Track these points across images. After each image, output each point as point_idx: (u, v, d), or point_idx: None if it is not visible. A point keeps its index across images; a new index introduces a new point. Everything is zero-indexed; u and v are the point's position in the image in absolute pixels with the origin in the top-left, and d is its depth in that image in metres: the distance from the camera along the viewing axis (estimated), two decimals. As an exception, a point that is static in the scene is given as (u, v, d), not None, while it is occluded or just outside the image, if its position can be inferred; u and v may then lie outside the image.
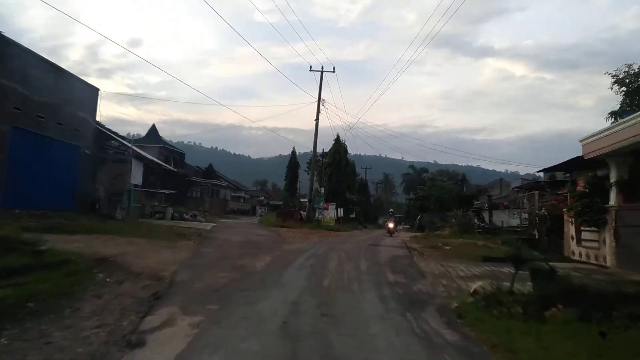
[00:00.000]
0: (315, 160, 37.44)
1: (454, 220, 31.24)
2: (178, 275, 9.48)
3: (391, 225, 29.83)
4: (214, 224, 27.97)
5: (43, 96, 18.69)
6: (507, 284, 7.87)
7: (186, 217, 30.46)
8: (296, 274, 10.43)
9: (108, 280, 8.68)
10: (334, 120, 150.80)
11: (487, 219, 36.48)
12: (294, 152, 50.43)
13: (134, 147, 22.28)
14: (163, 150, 55.70)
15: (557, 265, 9.53)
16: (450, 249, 17.88)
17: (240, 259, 12.38)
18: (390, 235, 27.80)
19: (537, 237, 20.12)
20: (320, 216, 35.85)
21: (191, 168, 69.01)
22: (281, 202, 56.37)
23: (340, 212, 39.87)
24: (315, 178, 47.42)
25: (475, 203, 47.23)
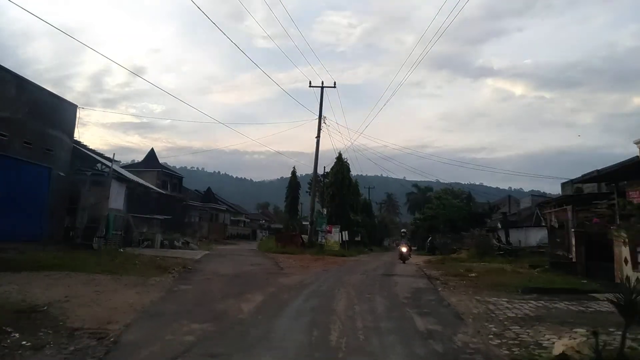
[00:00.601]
0: (317, 179, 34.92)
1: (470, 241, 28.55)
2: (130, 331, 6.82)
3: (404, 249, 25.79)
4: (206, 252, 25.28)
5: (4, 111, 16.30)
6: (605, 337, 5.25)
7: (177, 244, 27.79)
8: (293, 324, 7.74)
9: (23, 343, 6.04)
10: (336, 139, 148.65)
11: (503, 239, 33.82)
12: (294, 172, 47.93)
13: (115, 168, 19.75)
14: (160, 175, 53.34)
15: None
16: (477, 277, 15.19)
17: (222, 300, 9.70)
18: (404, 262, 24.42)
19: (573, 259, 17.36)
20: (324, 240, 33.10)
21: (190, 192, 66.54)
22: (282, 226, 53.66)
23: (345, 235, 37.15)
24: (317, 199, 44.92)
25: (487, 222, 44.47)
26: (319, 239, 33.12)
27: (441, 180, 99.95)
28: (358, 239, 48.45)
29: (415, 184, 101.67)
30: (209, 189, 68.72)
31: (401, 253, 25.45)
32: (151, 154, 55.66)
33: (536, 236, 34.82)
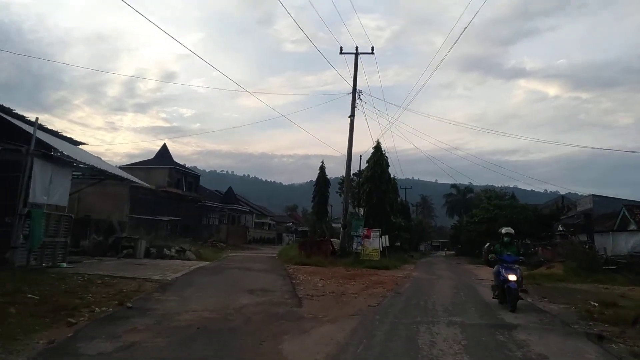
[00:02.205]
0: (350, 172, 27.31)
1: (562, 250, 20.53)
2: None
3: (513, 277, 10.36)
4: (201, 265, 18.17)
5: None
6: None
7: (168, 252, 20.79)
8: None
9: None
10: (372, 126, 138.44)
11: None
12: (322, 168, 40.55)
13: (38, 136, 12.74)
14: (173, 172, 46.92)
15: None
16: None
17: None
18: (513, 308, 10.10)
19: None
20: (360, 247, 25.53)
21: (208, 192, 60.12)
22: (308, 229, 46.38)
23: (386, 240, 29.52)
24: (349, 199, 37.46)
25: (555, 225, 35.97)
26: (354, 246, 25.57)
27: (474, 183, 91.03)
28: (398, 244, 40.71)
29: (454, 185, 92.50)
30: (229, 188, 62.12)
31: (507, 287, 10.38)
32: (163, 150, 49.32)
33: (627, 242, 26.72)
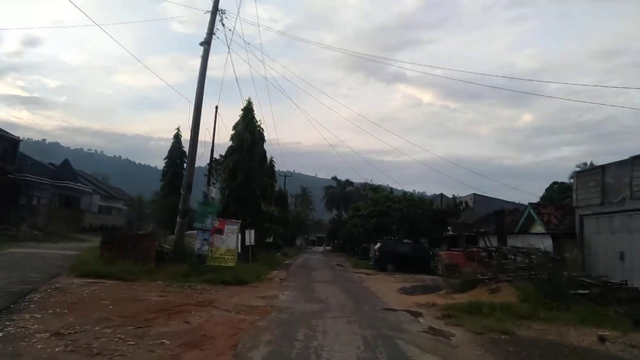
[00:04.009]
0: (198, 128, 17.41)
1: (512, 264, 13.72)
2: None
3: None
4: None
5: None
6: None
7: None
8: None
9: None
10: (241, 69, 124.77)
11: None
12: (177, 136, 30.42)
13: None
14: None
15: None
16: None
17: None
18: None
19: None
20: (206, 247, 16.45)
21: (35, 164, 45.59)
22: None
23: (251, 236, 20.95)
24: (213, 180, 27.94)
25: (452, 223, 30.69)
26: (198, 246, 16.36)
27: (351, 180, 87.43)
28: (270, 240, 32.38)
29: (334, 177, 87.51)
30: (65, 161, 48.09)
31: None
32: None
33: (539, 246, 21.95)
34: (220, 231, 17.03)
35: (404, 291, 15.09)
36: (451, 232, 29.22)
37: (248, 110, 23.74)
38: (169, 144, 30.41)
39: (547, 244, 21.43)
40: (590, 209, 20.03)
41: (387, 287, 16.08)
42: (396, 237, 29.34)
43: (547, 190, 41.13)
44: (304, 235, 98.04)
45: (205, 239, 16.51)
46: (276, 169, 38.69)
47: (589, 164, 42.05)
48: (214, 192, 17.03)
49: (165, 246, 16.49)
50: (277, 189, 56.00)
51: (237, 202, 22.62)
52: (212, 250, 16.71)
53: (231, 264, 16.82)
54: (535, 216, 25.50)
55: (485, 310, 9.52)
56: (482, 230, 24.61)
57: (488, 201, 43.35)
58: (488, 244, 22.09)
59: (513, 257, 13.64)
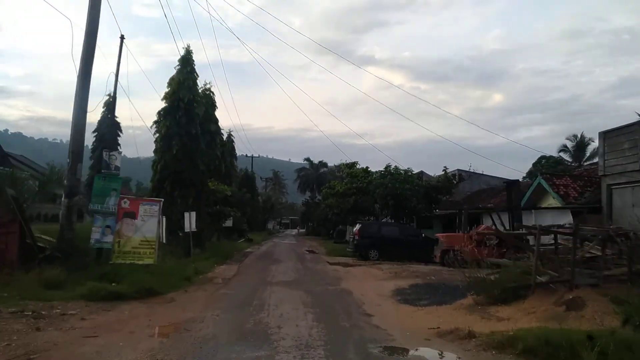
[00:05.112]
0: (92, 55, 11.58)
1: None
2: None
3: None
4: None
5: None
6: None
7: None
8: None
9: None
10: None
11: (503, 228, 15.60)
12: (108, 104, 24.31)
13: None
14: None
15: None
16: None
17: None
18: None
19: None
20: (109, 239, 10.97)
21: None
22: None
23: (192, 220, 15.74)
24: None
25: (443, 200, 25.92)
26: (97, 237, 10.92)
27: (324, 161, 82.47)
28: (229, 224, 27.08)
29: (307, 158, 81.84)
30: (-7, 142, 40.98)
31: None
32: None
33: (557, 223, 17.59)
34: (131, 214, 11.64)
35: (403, 296, 10.12)
36: (438, 211, 24.56)
37: (186, 61, 18.13)
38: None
39: (566, 220, 16.88)
40: (624, 177, 15.45)
41: (376, 289, 11.11)
42: (378, 218, 24.40)
43: (534, 165, 37.18)
44: (276, 218, 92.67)
45: (108, 226, 11.05)
46: (246, 154, 33.17)
47: (579, 136, 38.37)
48: (119, 160, 11.32)
49: (47, 238, 10.95)
50: (241, 169, 50.64)
51: (173, 180, 17.15)
52: (119, 242, 11.31)
53: (149, 260, 11.53)
54: (548, 188, 20.95)
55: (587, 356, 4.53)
56: (489, 205, 19.89)
57: (474, 177, 39.02)
58: (498, 222, 17.37)
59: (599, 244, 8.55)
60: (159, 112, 17.76)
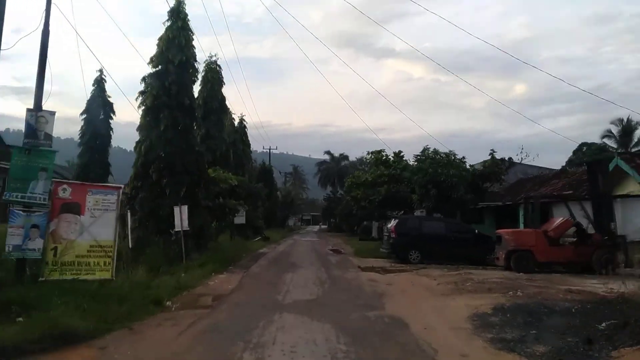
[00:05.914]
0: None
1: None
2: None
3: None
4: None
5: None
6: None
7: None
8: None
9: None
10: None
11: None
12: (98, 81, 20.76)
13: None
14: None
15: None
16: None
17: None
18: None
19: None
20: (37, 245, 7.16)
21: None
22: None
23: (183, 216, 11.96)
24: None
25: (488, 188, 21.59)
26: (19, 242, 7.20)
27: (345, 154, 78.42)
28: (240, 220, 23.36)
29: (327, 151, 77.64)
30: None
31: None
32: None
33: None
34: (74, 208, 7.82)
35: (493, 332, 6.12)
36: (480, 204, 20.19)
37: (177, 14, 14.23)
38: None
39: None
40: None
41: (443, 315, 7.13)
42: (416, 211, 20.15)
43: (574, 152, 32.59)
44: (297, 215, 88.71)
45: (34, 226, 7.26)
46: (263, 146, 29.37)
47: (625, 120, 33.96)
48: (51, 124, 7.47)
49: None
50: (259, 164, 46.93)
51: (161, 165, 13.36)
52: (55, 250, 7.53)
53: (104, 274, 7.76)
54: (630, 171, 16.49)
55: None
56: (566, 192, 15.45)
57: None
58: (580, 215, 13.10)
59: None
60: (143, 79, 13.94)
